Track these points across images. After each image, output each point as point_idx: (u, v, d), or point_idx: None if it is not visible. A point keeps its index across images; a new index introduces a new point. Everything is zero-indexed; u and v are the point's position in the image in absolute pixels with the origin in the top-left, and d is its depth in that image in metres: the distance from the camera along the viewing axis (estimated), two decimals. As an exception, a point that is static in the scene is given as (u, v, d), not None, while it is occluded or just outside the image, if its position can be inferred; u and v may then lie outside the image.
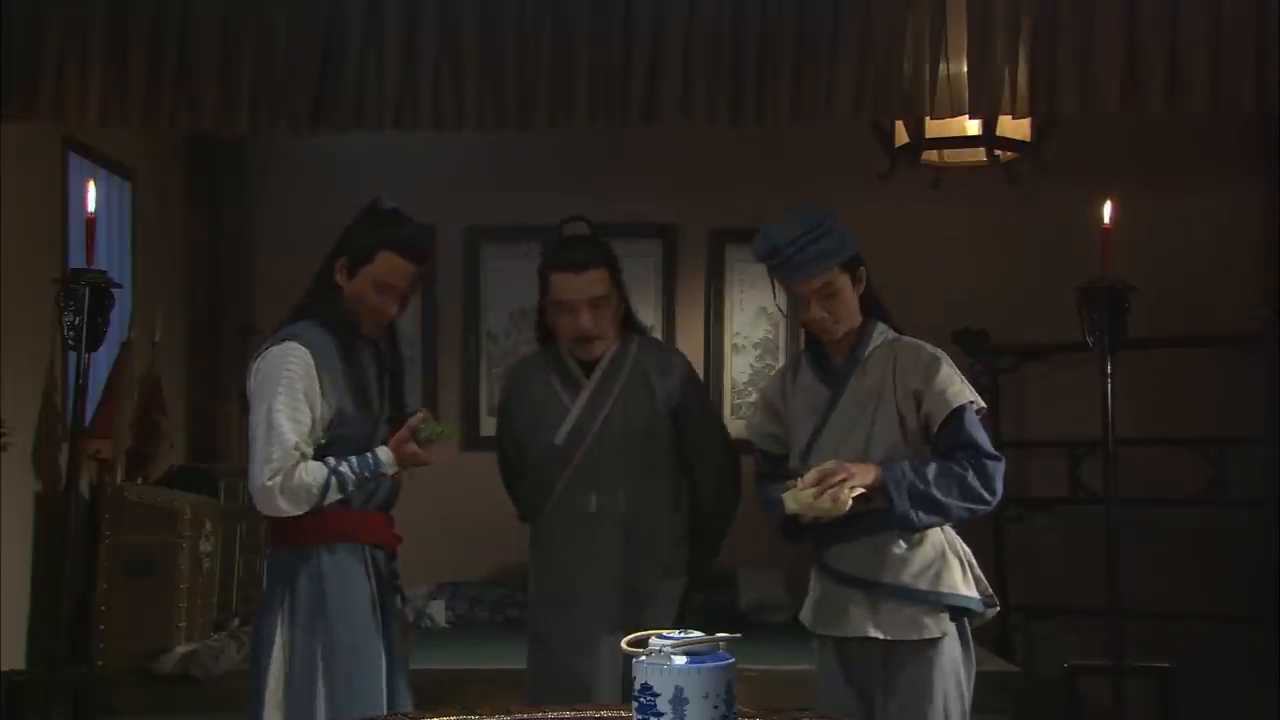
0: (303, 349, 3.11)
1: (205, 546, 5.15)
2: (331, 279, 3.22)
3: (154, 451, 5.41)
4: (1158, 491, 5.51)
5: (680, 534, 3.66)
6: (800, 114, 4.04)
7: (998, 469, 3.22)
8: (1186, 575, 5.71)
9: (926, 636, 3.19)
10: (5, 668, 4.55)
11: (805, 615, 3.39)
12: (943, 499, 3.15)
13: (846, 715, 3.21)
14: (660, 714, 1.97)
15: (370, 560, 3.19)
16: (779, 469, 3.40)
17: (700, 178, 6.24)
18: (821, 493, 3.11)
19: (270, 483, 3.06)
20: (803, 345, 3.47)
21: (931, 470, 3.17)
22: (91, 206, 4.01)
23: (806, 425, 3.33)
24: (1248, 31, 3.87)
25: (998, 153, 5.11)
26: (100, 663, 4.85)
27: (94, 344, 3.99)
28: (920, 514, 3.15)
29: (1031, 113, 4.38)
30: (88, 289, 3.93)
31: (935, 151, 5.22)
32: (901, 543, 3.21)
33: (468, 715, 2.49)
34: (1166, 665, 4.40)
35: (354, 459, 3.10)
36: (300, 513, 3.09)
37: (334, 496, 3.09)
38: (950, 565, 3.23)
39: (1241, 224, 6.00)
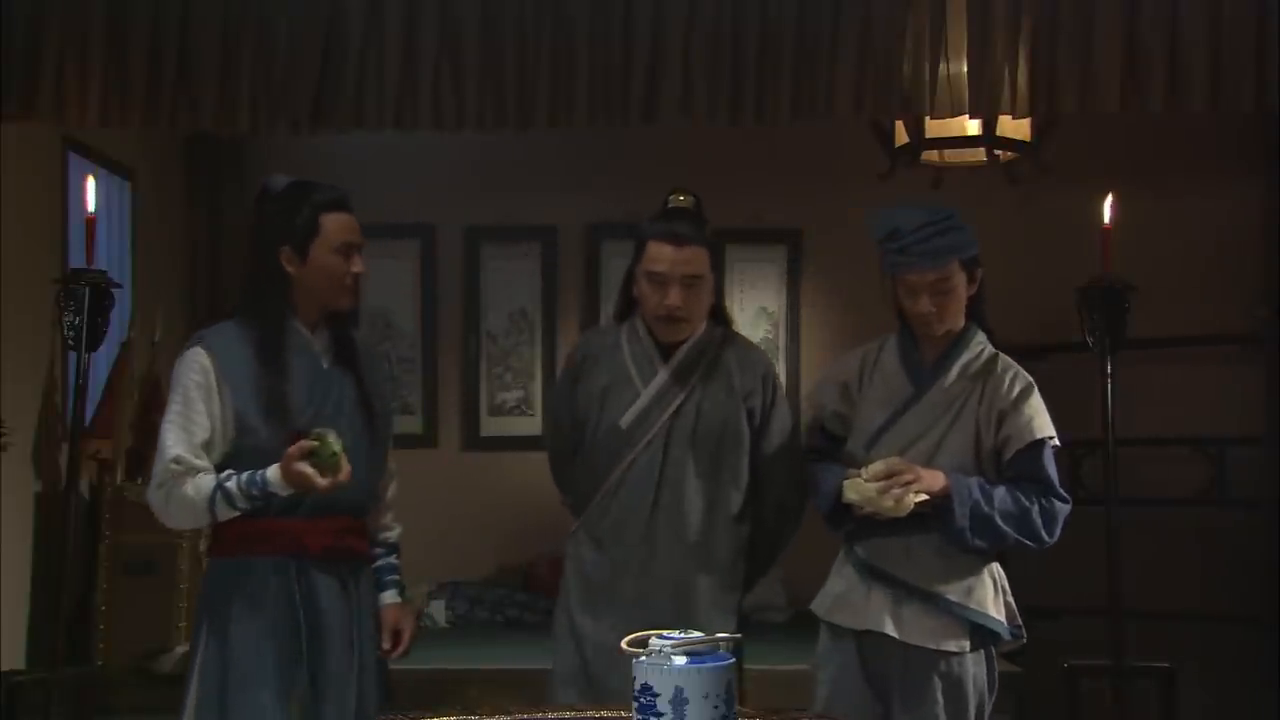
0: (204, 354, 2.98)
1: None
2: (277, 272, 3.04)
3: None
4: (1158, 491, 5.50)
5: (742, 545, 3.37)
6: (800, 114, 4.05)
7: (1063, 512, 3.16)
8: (1186, 575, 5.70)
9: (943, 648, 3.11)
10: (5, 668, 4.55)
11: (822, 605, 3.28)
12: (1002, 527, 3.09)
13: (860, 713, 3.14)
14: (660, 714, 1.97)
15: (296, 575, 2.98)
16: (835, 450, 3.31)
17: (699, 178, 6.22)
18: (886, 489, 3.03)
19: (153, 496, 2.98)
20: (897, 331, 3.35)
21: (999, 495, 3.10)
22: (91, 206, 4.00)
23: (878, 413, 3.23)
24: (1248, 31, 3.87)
25: (998, 153, 5.11)
26: (100, 663, 4.86)
27: (94, 344, 3.99)
28: (976, 536, 3.09)
29: (1031, 113, 4.38)
30: (88, 289, 3.93)
31: (935, 151, 5.22)
32: (940, 549, 3.13)
33: (468, 715, 2.49)
34: (1166, 665, 4.39)
35: (243, 476, 2.90)
36: (194, 527, 3.00)
37: (228, 513, 2.94)
38: (984, 584, 3.16)
39: (1241, 224, 6.00)
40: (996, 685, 3.22)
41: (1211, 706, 5.13)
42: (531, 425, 6.39)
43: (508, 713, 2.48)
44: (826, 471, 3.27)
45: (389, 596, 3.24)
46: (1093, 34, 3.92)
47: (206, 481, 2.92)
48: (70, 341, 3.99)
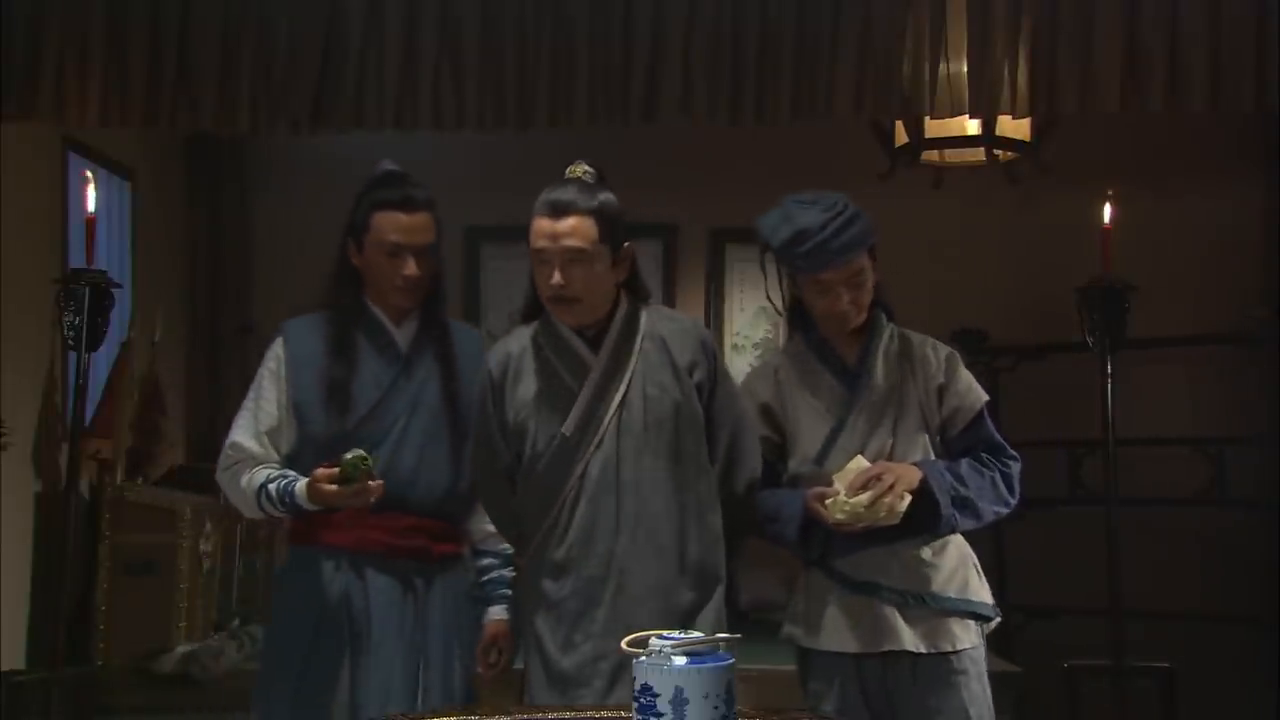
0: (280, 341, 3.03)
1: (205, 546, 5.15)
2: (349, 265, 3.05)
3: (154, 451, 5.41)
4: (1158, 491, 5.50)
5: (718, 537, 3.02)
6: (800, 114, 4.05)
7: (1017, 469, 3.09)
8: (1186, 575, 5.70)
9: (960, 648, 3.01)
10: (5, 668, 4.55)
11: (806, 634, 3.08)
12: (978, 502, 3.01)
13: None
14: (660, 714, 1.97)
15: (351, 570, 2.94)
16: (772, 477, 3.12)
17: (700, 178, 6.24)
18: (875, 499, 2.89)
19: (219, 477, 3.04)
20: (785, 339, 3.22)
21: (966, 472, 3.02)
22: (91, 206, 4.01)
23: (819, 426, 3.08)
24: (1248, 31, 3.87)
25: (997, 153, 5.11)
26: (100, 663, 4.85)
27: (94, 344, 3.99)
28: (961, 520, 2.99)
29: (1031, 113, 4.38)
30: (88, 289, 3.93)
31: (935, 151, 5.22)
32: (925, 549, 3.03)
33: (468, 715, 2.49)
34: (1166, 665, 4.40)
35: (282, 484, 2.92)
36: (253, 516, 3.04)
37: (274, 512, 2.96)
38: (970, 571, 3.08)
39: (1241, 224, 6.00)
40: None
41: (1211, 706, 5.13)
42: (531, 425, 6.41)
43: (508, 713, 2.48)
44: (774, 499, 3.08)
45: (495, 611, 3.15)
46: (1093, 34, 3.93)
47: (258, 478, 2.96)
48: (70, 341, 3.99)
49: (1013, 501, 3.08)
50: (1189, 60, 3.89)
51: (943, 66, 4.01)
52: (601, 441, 2.94)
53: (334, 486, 2.82)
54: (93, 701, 4.68)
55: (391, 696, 2.92)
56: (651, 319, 3.04)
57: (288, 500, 2.91)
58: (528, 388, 3.00)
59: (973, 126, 4.94)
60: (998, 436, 3.10)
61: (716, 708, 1.97)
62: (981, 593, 3.08)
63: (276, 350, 3.02)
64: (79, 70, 4.07)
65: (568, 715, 2.44)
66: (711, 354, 3.05)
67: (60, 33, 4.06)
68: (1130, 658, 4.05)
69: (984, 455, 3.07)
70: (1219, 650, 5.50)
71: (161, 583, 4.98)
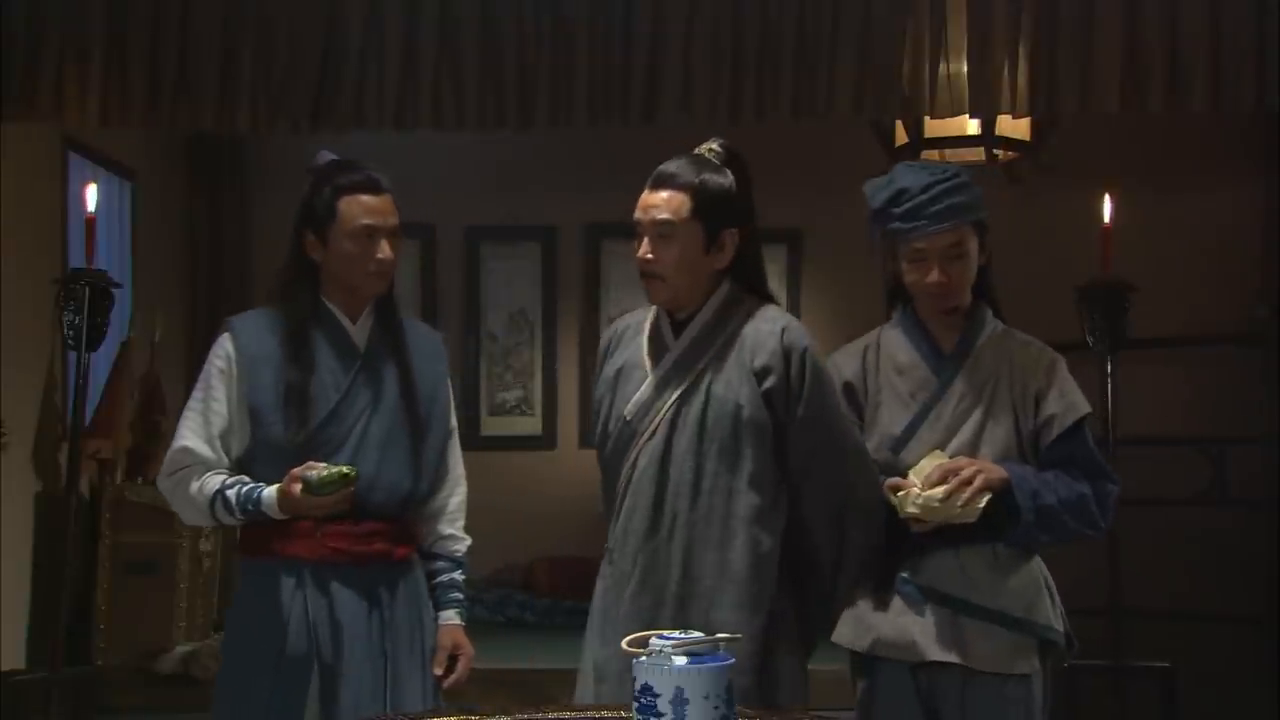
0: (229, 339, 2.86)
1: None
2: (303, 258, 2.92)
3: (154, 451, 5.41)
4: (1158, 491, 5.50)
5: (764, 556, 2.76)
6: (800, 114, 4.06)
7: (1114, 494, 2.84)
8: (1186, 575, 5.70)
9: (1015, 672, 2.75)
10: (5, 668, 4.55)
11: (859, 637, 2.82)
12: (1064, 516, 2.76)
13: None
14: (660, 714, 1.97)
15: (311, 580, 2.80)
16: None
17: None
18: (951, 493, 2.67)
19: (161, 483, 2.88)
20: (889, 317, 2.95)
21: (1057, 483, 2.76)
22: (91, 206, 4.01)
23: (900, 411, 2.84)
24: (1248, 31, 3.88)
25: (997, 152, 5.12)
26: (100, 663, 4.86)
27: (94, 344, 4.00)
28: (1041, 532, 2.76)
29: (1031, 113, 4.39)
30: (88, 289, 3.93)
31: (935, 151, 5.22)
32: (995, 560, 2.78)
33: (468, 715, 2.48)
34: (1166, 665, 4.39)
35: (243, 489, 2.77)
36: (201, 525, 2.90)
37: (229, 520, 2.82)
38: (1042, 593, 2.83)
39: (1241, 224, 6.00)
40: (1049, 703, 2.88)
41: (1211, 706, 5.13)
42: (531, 425, 6.40)
43: (508, 713, 2.47)
44: None
45: (447, 617, 3.04)
46: (1093, 34, 3.93)
47: (211, 483, 2.80)
48: (70, 341, 4.00)
49: (1104, 527, 2.86)
50: (1189, 60, 3.90)
51: (943, 66, 4.01)
52: (654, 432, 2.80)
53: (305, 494, 2.72)
54: (93, 701, 4.69)
55: (360, 709, 2.81)
56: (752, 318, 2.84)
57: (250, 509, 2.78)
58: (613, 365, 2.91)
59: (973, 126, 4.94)
60: (1097, 455, 2.84)
61: (716, 708, 1.97)
62: (1052, 620, 2.82)
63: (225, 348, 2.86)
64: (79, 70, 4.07)
65: (568, 715, 2.43)
66: (798, 363, 2.79)
67: (60, 33, 4.07)
68: (1130, 658, 4.05)
69: (1077, 471, 2.80)
70: (1219, 650, 5.50)
71: (161, 583, 4.99)
